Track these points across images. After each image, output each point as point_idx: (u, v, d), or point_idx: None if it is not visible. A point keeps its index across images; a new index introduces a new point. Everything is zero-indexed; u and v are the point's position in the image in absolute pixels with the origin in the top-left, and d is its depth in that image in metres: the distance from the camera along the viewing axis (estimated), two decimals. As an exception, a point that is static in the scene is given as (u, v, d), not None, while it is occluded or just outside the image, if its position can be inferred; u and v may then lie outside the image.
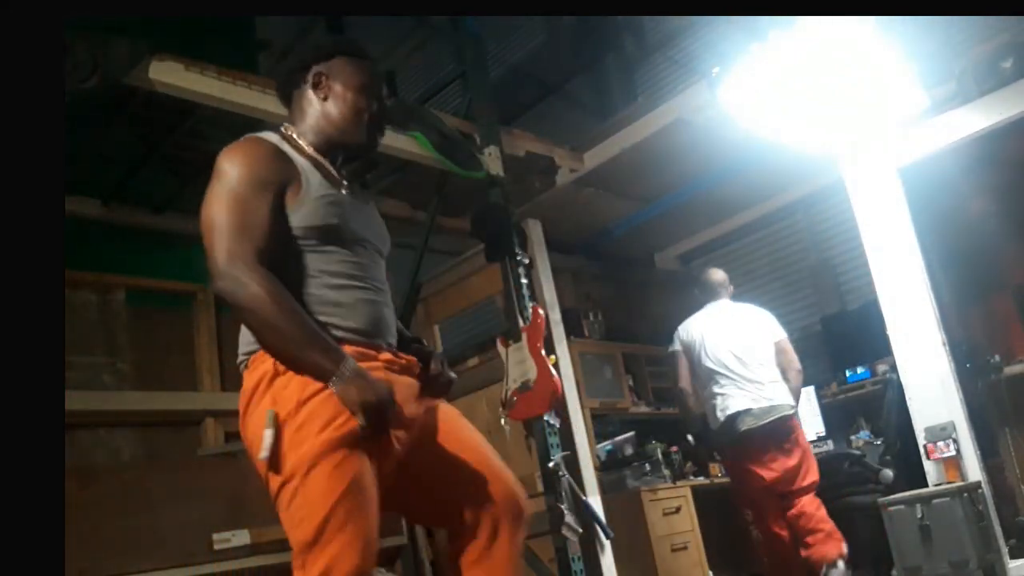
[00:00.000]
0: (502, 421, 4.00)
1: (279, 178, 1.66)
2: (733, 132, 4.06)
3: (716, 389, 4.00)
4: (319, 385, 1.55)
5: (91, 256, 3.98)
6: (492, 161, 4.25)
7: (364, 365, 1.60)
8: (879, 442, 4.51)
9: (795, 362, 4.07)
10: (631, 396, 5.35)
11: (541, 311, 4.10)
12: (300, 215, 1.67)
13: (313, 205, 1.68)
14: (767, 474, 3.90)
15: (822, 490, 4.56)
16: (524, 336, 4.02)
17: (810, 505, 3.89)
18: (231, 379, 4.29)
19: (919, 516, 3.45)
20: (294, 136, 1.82)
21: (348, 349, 1.61)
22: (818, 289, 5.68)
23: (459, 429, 1.81)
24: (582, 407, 4.74)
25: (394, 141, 4.03)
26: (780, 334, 4.16)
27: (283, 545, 4.21)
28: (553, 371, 3.91)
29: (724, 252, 6.13)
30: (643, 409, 5.32)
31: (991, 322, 4.45)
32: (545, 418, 4.02)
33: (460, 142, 4.18)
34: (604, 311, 5.50)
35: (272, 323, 1.56)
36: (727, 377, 3.97)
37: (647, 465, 4.69)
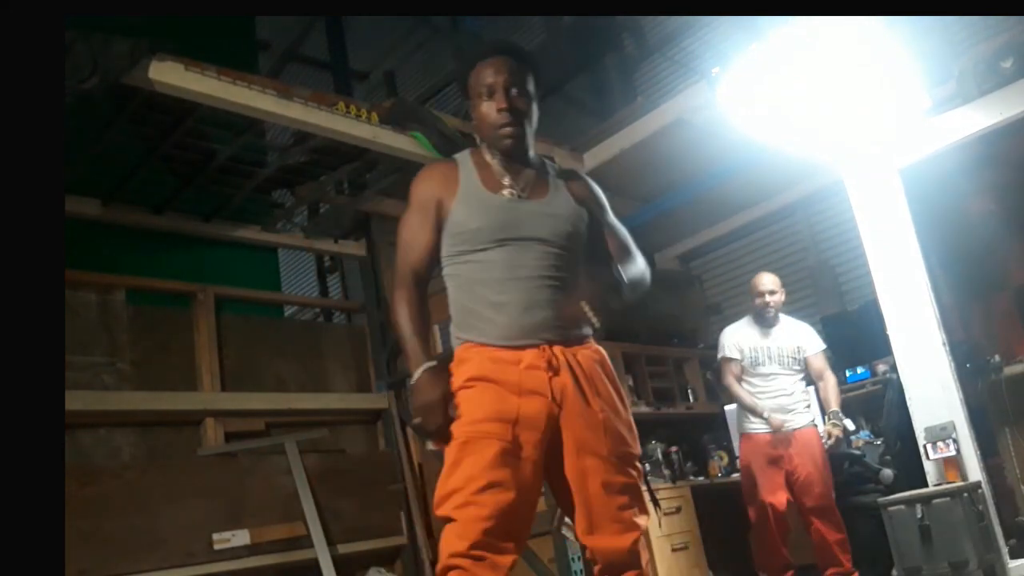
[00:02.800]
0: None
1: (435, 195, 1.91)
2: (733, 132, 4.06)
3: None
4: None
5: (91, 256, 3.98)
6: (492, 161, 4.24)
7: (499, 369, 1.80)
8: (879, 442, 4.50)
9: None
10: (631, 396, 5.35)
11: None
12: (449, 223, 1.90)
13: (458, 212, 1.88)
14: None
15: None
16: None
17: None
18: (231, 379, 4.29)
19: (919, 516, 3.45)
20: (482, 148, 1.98)
21: (486, 351, 1.83)
22: (818, 289, 5.67)
23: (574, 455, 1.81)
24: (582, 407, 4.73)
25: (394, 141, 4.03)
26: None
27: (283, 545, 4.24)
28: (553, 371, 3.90)
29: (724, 252, 6.13)
30: (643, 409, 5.31)
31: (991, 322, 4.45)
32: (545, 418, 4.01)
33: (460, 142, 4.18)
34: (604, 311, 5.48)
35: (397, 335, 1.93)
36: None
37: (647, 465, 4.69)
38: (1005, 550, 3.59)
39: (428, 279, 1.95)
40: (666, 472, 4.71)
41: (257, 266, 5.19)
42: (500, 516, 1.68)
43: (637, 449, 1.91)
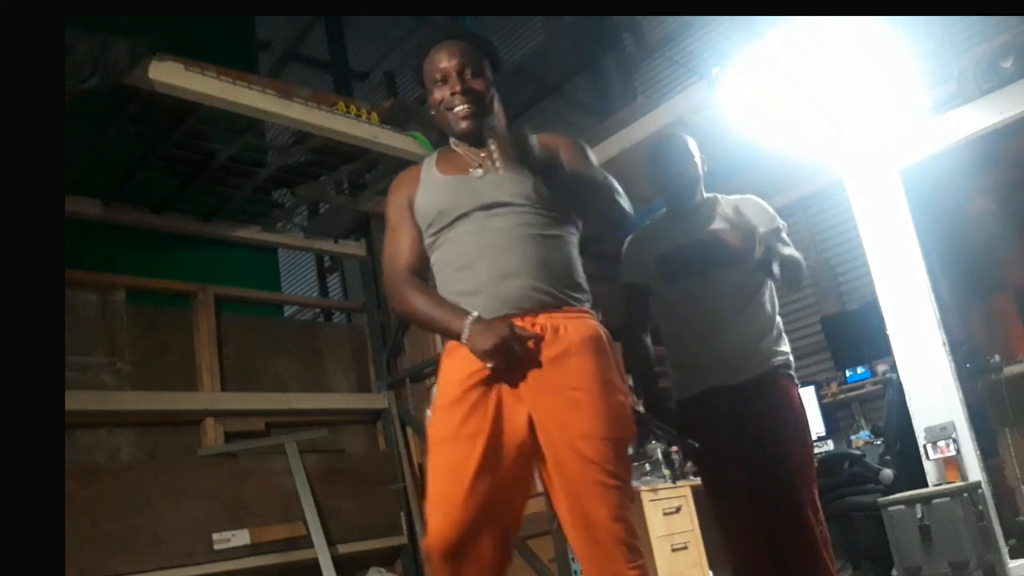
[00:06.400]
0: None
1: (408, 195, 1.94)
2: (732, 132, 4.06)
3: None
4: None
5: (91, 256, 3.98)
6: (492, 161, 4.25)
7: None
8: (879, 442, 4.51)
9: None
10: (631, 396, 5.33)
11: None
12: (417, 218, 1.91)
13: (420, 202, 1.90)
14: None
15: (822, 490, 4.56)
16: (524, 336, 4.01)
17: None
18: (231, 379, 4.29)
19: (919, 516, 3.45)
20: (451, 141, 1.97)
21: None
22: (818, 289, 5.68)
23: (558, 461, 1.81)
24: (582, 407, 4.72)
25: (394, 141, 4.04)
26: None
27: (283, 545, 4.24)
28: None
29: (724, 252, 6.13)
30: (643, 409, 5.32)
31: (991, 322, 4.45)
32: (545, 418, 4.01)
33: (460, 142, 4.18)
34: (604, 311, 5.48)
35: (422, 321, 1.87)
36: None
37: (647, 465, 4.69)
38: (1005, 550, 3.59)
39: (425, 275, 1.91)
40: (666, 472, 4.70)
41: (257, 266, 5.19)
42: None
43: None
